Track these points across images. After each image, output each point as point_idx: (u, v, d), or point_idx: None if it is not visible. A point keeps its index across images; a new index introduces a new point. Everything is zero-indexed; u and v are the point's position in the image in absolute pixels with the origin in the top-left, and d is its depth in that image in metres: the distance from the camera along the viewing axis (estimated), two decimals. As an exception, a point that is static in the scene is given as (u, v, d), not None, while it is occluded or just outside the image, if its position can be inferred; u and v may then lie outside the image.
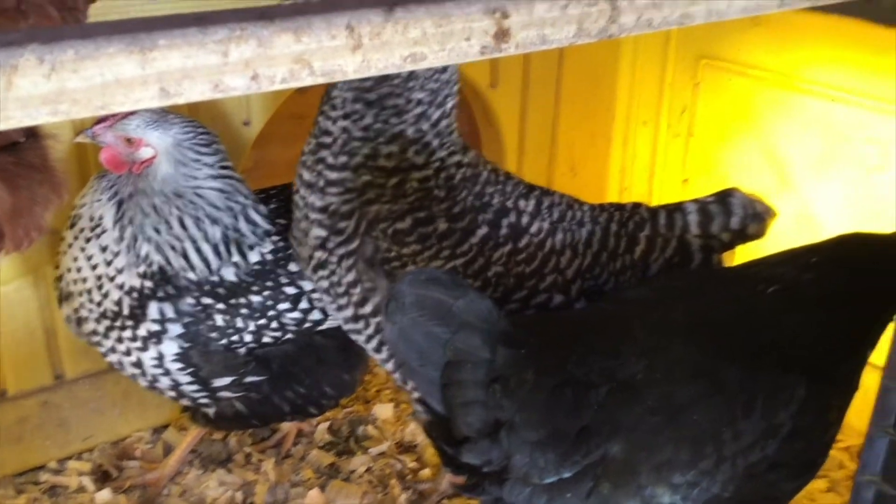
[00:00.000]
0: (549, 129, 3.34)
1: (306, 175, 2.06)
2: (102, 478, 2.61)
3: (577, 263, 2.09)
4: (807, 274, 1.83)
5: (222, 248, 2.21)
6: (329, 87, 2.04)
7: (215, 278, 2.21)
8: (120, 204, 2.18)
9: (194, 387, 2.26)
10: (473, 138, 3.26)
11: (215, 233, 2.20)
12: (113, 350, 2.23)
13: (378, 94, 1.98)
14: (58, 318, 2.44)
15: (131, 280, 2.17)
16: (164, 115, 2.15)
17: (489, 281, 2.00)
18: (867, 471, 1.63)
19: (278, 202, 2.39)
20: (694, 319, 1.79)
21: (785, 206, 2.50)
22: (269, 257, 2.27)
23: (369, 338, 2.09)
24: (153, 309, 2.17)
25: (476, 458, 1.65)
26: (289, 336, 2.31)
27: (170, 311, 2.18)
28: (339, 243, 2.01)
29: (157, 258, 2.17)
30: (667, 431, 1.66)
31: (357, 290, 2.01)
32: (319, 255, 2.05)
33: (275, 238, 2.29)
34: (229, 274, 2.22)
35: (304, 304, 2.29)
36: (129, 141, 2.14)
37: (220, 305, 2.21)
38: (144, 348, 2.19)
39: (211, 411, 2.38)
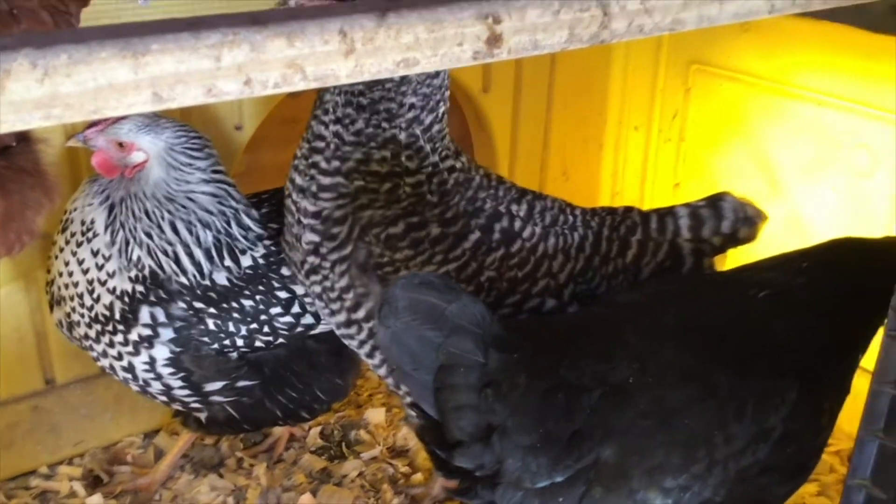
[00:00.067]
0: (541, 133, 3.35)
1: (299, 180, 2.06)
2: (93, 483, 2.60)
3: (570, 267, 2.09)
4: (798, 278, 1.83)
5: (214, 253, 2.21)
6: (321, 92, 2.04)
7: (207, 282, 2.20)
8: (111, 208, 2.18)
9: (186, 391, 2.25)
10: (465, 143, 3.26)
11: (207, 237, 2.20)
12: (104, 354, 2.23)
13: (370, 98, 1.98)
14: (49, 322, 2.44)
15: (123, 284, 2.17)
16: (155, 120, 2.15)
17: (482, 286, 2.01)
18: (857, 474, 1.63)
19: (270, 206, 2.38)
20: (686, 323, 1.79)
21: (776, 210, 2.51)
22: (261, 262, 2.27)
23: (362, 343, 2.08)
24: (145, 313, 2.17)
25: (468, 462, 1.65)
26: (281, 340, 2.30)
27: (161, 316, 2.17)
28: (332, 248, 2.01)
29: (148, 262, 2.16)
30: (659, 435, 1.66)
31: (350, 295, 2.01)
32: (312, 260, 2.05)
33: (267, 242, 2.29)
34: (221, 278, 2.22)
35: (296, 309, 2.29)
36: (120, 145, 2.13)
37: (212, 310, 2.20)
38: (136, 353, 2.19)
39: (202, 416, 2.38)
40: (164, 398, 2.29)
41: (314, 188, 2.02)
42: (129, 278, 2.16)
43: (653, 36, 1.12)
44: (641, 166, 3.41)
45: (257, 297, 2.25)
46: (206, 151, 2.21)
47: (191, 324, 2.18)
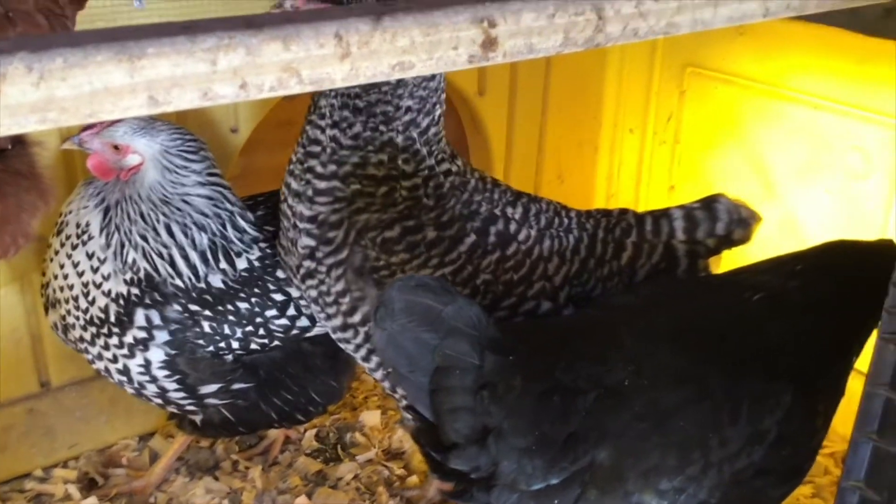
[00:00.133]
0: (536, 136, 3.35)
1: (294, 184, 2.06)
2: (88, 486, 2.59)
3: (565, 270, 2.10)
4: (792, 281, 1.84)
5: (210, 255, 2.21)
6: (316, 96, 2.04)
7: (202, 285, 2.20)
8: (107, 211, 2.17)
9: (181, 394, 2.25)
10: (461, 146, 3.26)
11: (202, 240, 2.20)
12: (99, 357, 2.22)
13: (367, 101, 1.98)
14: (44, 325, 2.43)
15: (118, 287, 2.16)
16: (151, 122, 2.15)
17: (478, 288, 2.01)
18: (851, 476, 1.63)
19: (266, 209, 2.39)
20: (681, 326, 1.80)
21: (770, 212, 2.52)
22: (256, 264, 2.27)
23: (358, 347, 2.09)
24: (140, 316, 2.16)
25: (464, 464, 1.65)
26: (276, 343, 2.30)
27: (156, 318, 2.17)
28: (328, 253, 2.01)
29: (143, 265, 2.16)
30: (654, 437, 1.67)
31: (346, 299, 2.01)
32: (308, 264, 2.05)
33: (262, 245, 2.29)
34: (217, 281, 2.22)
35: (291, 311, 2.29)
36: (116, 148, 2.13)
37: (208, 312, 2.20)
38: (131, 355, 2.18)
39: (198, 418, 2.38)
40: (159, 401, 2.29)
41: (310, 192, 2.02)
42: (125, 281, 2.16)
43: (647, 39, 1.13)
44: (636, 169, 3.42)
45: (253, 300, 2.25)
46: (201, 154, 2.21)
47: (186, 326, 2.18)
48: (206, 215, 2.20)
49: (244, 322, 2.24)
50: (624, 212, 2.21)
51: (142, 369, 2.20)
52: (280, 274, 2.27)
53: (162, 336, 2.17)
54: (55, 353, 2.55)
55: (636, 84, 3.32)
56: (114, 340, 2.18)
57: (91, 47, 0.78)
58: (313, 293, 2.08)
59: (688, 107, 3.18)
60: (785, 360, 1.75)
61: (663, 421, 1.67)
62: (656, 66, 3.23)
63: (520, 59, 1.03)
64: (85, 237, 2.17)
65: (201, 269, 2.20)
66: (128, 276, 2.16)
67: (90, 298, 2.17)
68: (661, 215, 2.17)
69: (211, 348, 2.22)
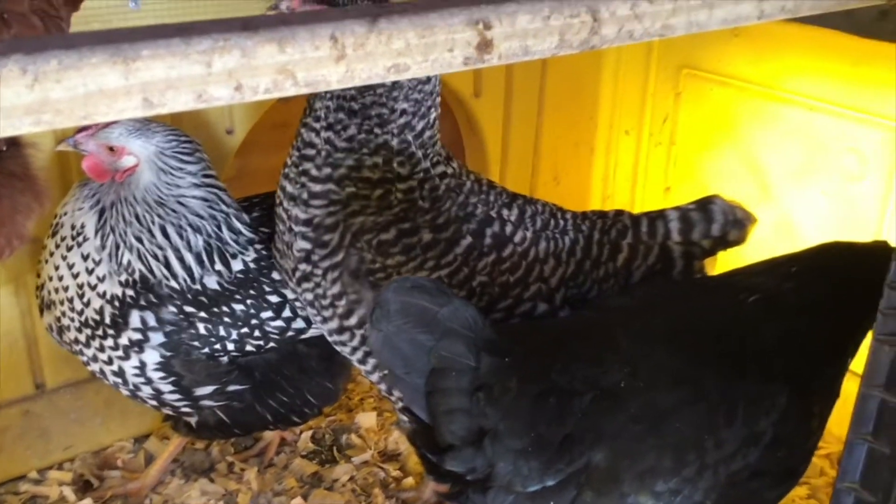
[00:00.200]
0: (532, 138, 3.35)
1: (289, 188, 2.06)
2: (83, 488, 2.59)
3: (561, 272, 2.10)
4: (787, 283, 1.84)
5: (205, 257, 2.21)
6: (312, 98, 2.04)
7: (198, 287, 2.20)
8: (102, 212, 2.17)
9: (176, 396, 2.25)
10: (457, 147, 3.26)
11: (198, 241, 2.20)
12: (94, 359, 2.22)
13: (362, 103, 1.98)
14: (39, 326, 2.43)
15: (113, 288, 2.16)
16: (146, 124, 2.15)
17: (474, 291, 2.01)
18: (846, 478, 1.64)
19: (261, 210, 2.38)
20: (676, 328, 1.80)
21: (766, 214, 2.52)
22: (251, 266, 2.27)
23: (354, 349, 2.08)
24: (135, 317, 2.16)
25: (460, 466, 1.65)
26: (272, 345, 2.30)
27: (151, 320, 2.17)
28: (324, 256, 2.01)
29: (138, 267, 2.16)
30: (650, 439, 1.67)
31: (342, 302, 2.01)
32: (304, 267, 2.05)
33: (258, 247, 2.29)
34: (212, 282, 2.21)
35: (286, 313, 2.29)
36: (111, 149, 2.13)
37: (203, 314, 2.20)
38: (126, 357, 2.18)
39: (193, 420, 2.37)
40: (154, 402, 2.29)
41: (305, 196, 2.02)
42: (120, 282, 2.16)
43: (643, 41, 1.13)
44: (632, 170, 3.42)
45: (248, 302, 2.24)
46: (196, 156, 2.21)
47: (181, 328, 2.18)
48: (201, 217, 2.20)
49: (239, 324, 2.23)
50: (619, 213, 2.22)
51: (137, 371, 2.19)
52: (275, 276, 2.26)
53: (157, 338, 2.17)
54: (50, 354, 2.54)
55: (632, 85, 3.33)
56: (109, 342, 2.18)
57: (86, 49, 0.78)
58: (309, 296, 2.07)
59: (683, 108, 3.18)
60: (780, 361, 1.75)
61: (659, 422, 1.67)
62: (652, 68, 3.24)
63: (515, 61, 1.03)
64: (80, 239, 2.17)
65: (196, 270, 2.20)
66: (123, 278, 2.16)
67: (85, 300, 2.17)
68: (657, 217, 2.17)
69: (206, 350, 2.21)
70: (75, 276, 2.17)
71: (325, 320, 2.08)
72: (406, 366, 1.64)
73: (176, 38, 0.82)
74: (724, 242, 2.16)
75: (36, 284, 2.30)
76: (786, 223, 2.86)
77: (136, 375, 2.20)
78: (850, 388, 1.75)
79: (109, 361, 2.20)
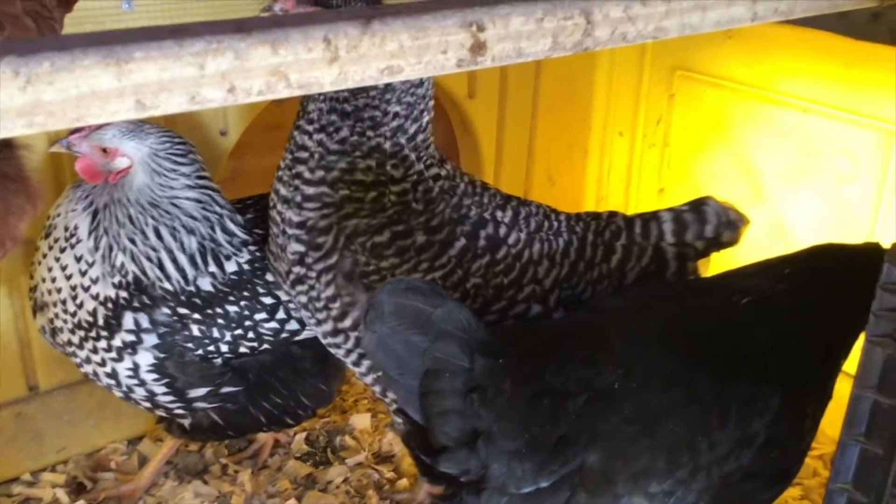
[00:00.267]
0: (526, 139, 3.36)
1: (283, 190, 2.06)
2: (77, 490, 2.58)
3: (555, 273, 2.10)
4: (780, 285, 1.85)
5: (198, 259, 2.20)
6: (305, 101, 2.04)
7: (191, 288, 2.20)
8: (95, 214, 2.17)
9: (170, 397, 2.24)
10: (451, 149, 3.26)
11: (191, 243, 2.19)
12: (87, 361, 2.21)
13: (354, 105, 1.98)
14: (32, 328, 2.42)
15: (106, 290, 2.16)
16: (139, 125, 2.14)
17: (468, 292, 2.01)
18: (839, 479, 1.64)
19: (255, 212, 2.38)
20: (670, 329, 1.80)
21: (759, 216, 2.53)
22: (245, 267, 2.26)
23: (349, 352, 2.08)
24: (128, 319, 2.16)
25: (454, 467, 1.65)
26: (265, 346, 2.30)
27: (145, 322, 2.16)
28: (318, 258, 2.01)
29: (132, 268, 2.16)
30: (643, 440, 1.67)
31: (336, 304, 2.01)
32: (298, 270, 2.05)
33: (252, 248, 2.29)
34: (205, 284, 2.21)
35: (280, 315, 2.29)
36: (104, 151, 2.13)
37: (197, 315, 2.20)
38: (119, 359, 2.18)
39: (187, 422, 2.37)
40: (147, 404, 2.28)
41: (298, 198, 2.02)
42: (113, 284, 2.16)
43: (636, 43, 1.13)
44: (626, 171, 3.43)
45: (242, 303, 2.24)
46: (190, 157, 2.20)
47: (175, 330, 2.18)
48: (195, 218, 2.20)
49: (233, 325, 2.23)
50: (613, 214, 2.22)
51: (130, 373, 2.19)
52: (269, 277, 2.26)
53: (150, 339, 2.17)
54: (43, 356, 2.54)
55: (626, 87, 3.33)
56: (102, 344, 2.17)
57: (78, 51, 0.78)
58: (303, 299, 2.07)
59: (677, 110, 3.19)
60: (773, 363, 1.76)
61: (653, 424, 1.67)
62: (646, 70, 3.24)
63: (508, 63, 1.03)
64: (73, 240, 2.17)
65: (190, 272, 2.19)
66: (116, 280, 2.16)
67: (78, 302, 2.16)
68: (651, 218, 2.17)
69: (200, 352, 2.21)
70: (68, 277, 2.17)
71: (319, 322, 2.08)
72: (400, 367, 1.64)
73: (169, 40, 0.82)
74: (718, 244, 2.16)
75: (29, 286, 2.29)
76: (779, 224, 2.87)
77: (130, 377, 2.20)
78: (842, 389, 1.75)
79: (103, 363, 2.19)
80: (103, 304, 2.16)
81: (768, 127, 2.87)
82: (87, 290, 2.16)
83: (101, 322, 2.16)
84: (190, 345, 2.19)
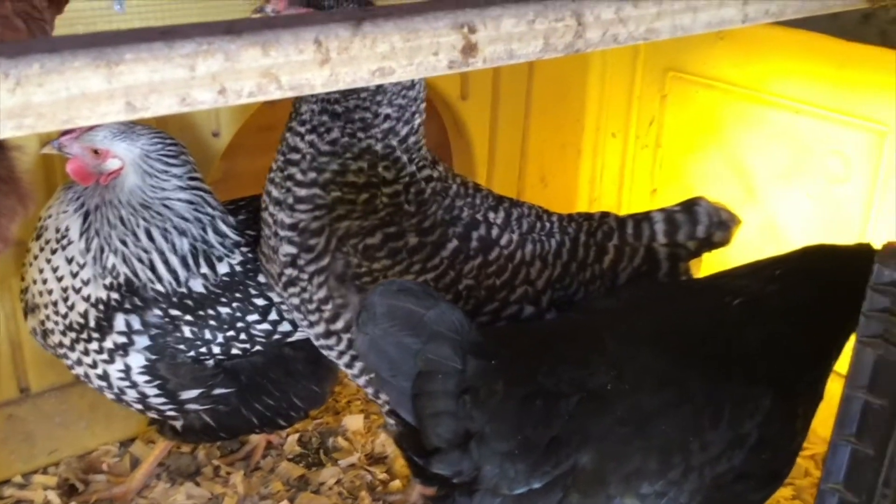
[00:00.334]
0: (519, 140, 3.36)
1: (275, 192, 2.05)
2: (69, 492, 2.57)
3: (547, 274, 2.10)
4: (771, 286, 1.85)
5: (190, 260, 2.20)
6: (298, 102, 2.04)
7: (183, 290, 2.19)
8: (86, 215, 2.16)
9: (161, 399, 2.24)
10: (444, 150, 3.26)
11: (183, 244, 2.19)
12: (79, 362, 2.21)
13: (345, 106, 1.98)
14: (23, 330, 2.41)
15: (97, 292, 2.15)
16: (131, 127, 2.14)
17: (460, 294, 2.01)
18: (830, 479, 1.65)
19: (247, 213, 2.38)
20: (662, 330, 1.80)
21: (751, 216, 2.53)
22: (237, 269, 2.26)
23: (341, 353, 2.08)
24: (120, 321, 2.15)
25: (446, 468, 1.65)
26: (258, 348, 2.29)
27: (136, 323, 2.16)
28: (310, 260, 2.01)
29: (123, 270, 2.15)
30: (636, 441, 1.67)
31: (329, 306, 2.01)
32: (290, 272, 2.04)
33: (244, 249, 2.28)
34: (198, 285, 2.21)
35: (273, 316, 2.28)
36: (95, 152, 2.12)
37: (189, 317, 2.19)
38: (111, 360, 2.17)
39: (179, 424, 2.36)
40: (139, 406, 2.27)
41: (290, 200, 2.02)
42: (104, 286, 2.15)
43: (627, 45, 1.13)
44: (619, 172, 3.43)
45: (234, 305, 2.23)
46: (182, 158, 2.20)
47: (166, 331, 2.17)
48: (186, 220, 2.19)
49: (225, 327, 2.23)
50: (605, 215, 2.22)
51: (122, 375, 2.18)
52: (261, 279, 2.26)
53: (142, 341, 2.16)
54: (34, 358, 2.53)
55: (618, 88, 3.34)
56: (93, 346, 2.16)
57: (68, 53, 0.78)
58: (296, 301, 2.07)
59: (669, 111, 3.19)
60: (764, 364, 1.76)
61: (645, 425, 1.68)
62: (638, 71, 3.25)
63: (500, 65, 1.03)
64: (64, 242, 2.16)
65: (182, 273, 2.19)
66: (107, 281, 2.15)
67: (69, 303, 2.16)
68: (642, 218, 2.18)
69: (192, 353, 2.20)
70: (59, 279, 2.16)
71: (311, 324, 2.08)
72: (392, 369, 1.64)
73: (159, 41, 0.81)
74: (709, 244, 2.17)
75: (20, 288, 2.28)
76: (771, 225, 2.88)
77: (121, 379, 2.19)
78: (834, 388, 1.76)
79: (94, 365, 2.19)
80: (94, 305, 2.15)
81: (760, 128, 2.88)
82: (78, 291, 2.15)
83: (92, 324, 2.15)
84: (182, 346, 2.19)
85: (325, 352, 2.15)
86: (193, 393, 2.24)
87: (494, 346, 1.68)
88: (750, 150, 2.93)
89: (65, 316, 2.17)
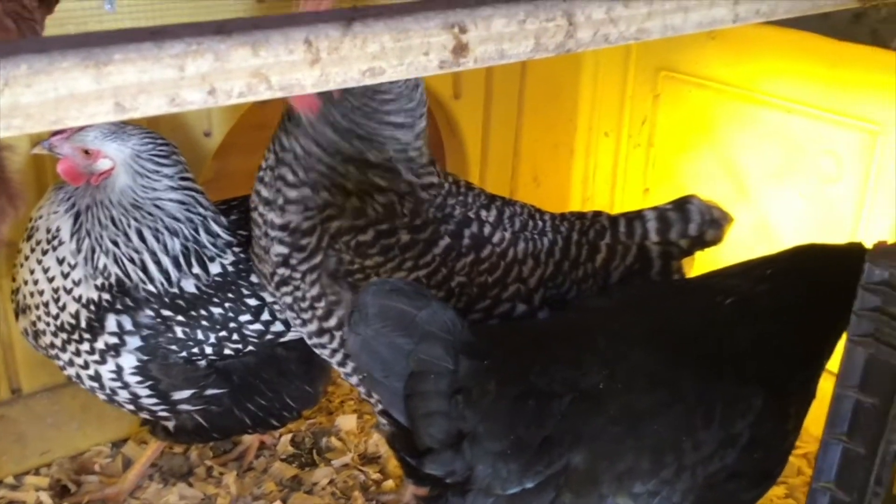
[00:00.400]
0: (512, 139, 3.36)
1: (265, 192, 2.05)
2: (61, 493, 2.56)
3: (540, 272, 2.10)
4: (762, 285, 1.86)
5: (182, 260, 2.19)
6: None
7: (175, 290, 2.18)
8: (77, 216, 2.15)
9: (154, 400, 2.23)
10: (437, 149, 3.26)
11: (175, 244, 2.18)
12: (70, 363, 2.20)
13: (340, 108, 1.97)
14: (15, 331, 2.40)
15: (89, 292, 2.14)
16: (122, 127, 2.13)
17: (452, 291, 2.01)
18: (822, 478, 1.65)
19: (239, 213, 2.37)
20: (654, 329, 1.81)
21: (743, 215, 2.54)
22: (230, 269, 2.25)
23: (334, 352, 2.08)
24: (111, 321, 2.14)
25: (439, 469, 1.65)
26: (250, 348, 2.29)
27: (128, 324, 2.15)
28: (302, 259, 2.00)
29: (115, 270, 2.14)
30: (628, 441, 1.67)
31: (321, 304, 2.00)
32: (282, 271, 2.04)
33: (236, 249, 2.28)
34: (189, 286, 2.20)
35: (265, 316, 2.28)
36: (86, 152, 2.11)
37: (180, 317, 2.18)
38: (102, 361, 2.16)
39: (171, 424, 2.36)
40: (131, 407, 2.27)
41: (280, 201, 2.01)
42: (96, 286, 2.14)
43: (619, 45, 1.13)
44: (611, 172, 3.43)
45: (226, 305, 2.23)
46: (173, 158, 2.19)
47: (158, 332, 2.17)
48: (178, 220, 2.19)
49: (218, 327, 2.22)
50: (598, 214, 2.22)
51: (113, 375, 2.18)
52: (254, 279, 2.25)
53: (134, 342, 2.15)
54: (26, 359, 2.52)
55: (611, 88, 3.34)
56: (85, 346, 2.16)
57: (57, 53, 0.77)
58: (288, 300, 2.07)
59: (662, 110, 3.20)
60: (756, 363, 1.76)
61: (637, 424, 1.68)
62: (630, 70, 3.25)
63: (491, 65, 1.03)
64: (55, 242, 2.15)
65: (174, 274, 2.18)
66: (99, 282, 2.14)
67: (61, 304, 2.15)
68: (635, 217, 2.18)
69: (184, 354, 2.20)
70: (51, 279, 2.15)
71: (304, 323, 2.07)
72: (384, 369, 1.64)
73: (148, 42, 0.81)
74: (702, 242, 2.17)
75: (11, 288, 2.28)
76: (763, 224, 2.88)
77: (113, 380, 2.19)
78: (826, 387, 1.76)
79: (86, 366, 2.18)
80: (86, 306, 2.14)
81: (752, 127, 2.88)
82: (69, 292, 2.14)
83: (83, 324, 2.15)
84: (174, 347, 2.18)
85: (317, 350, 2.15)
86: (185, 393, 2.23)
87: (487, 345, 1.68)
88: (742, 150, 2.93)
89: (56, 317, 2.16)
